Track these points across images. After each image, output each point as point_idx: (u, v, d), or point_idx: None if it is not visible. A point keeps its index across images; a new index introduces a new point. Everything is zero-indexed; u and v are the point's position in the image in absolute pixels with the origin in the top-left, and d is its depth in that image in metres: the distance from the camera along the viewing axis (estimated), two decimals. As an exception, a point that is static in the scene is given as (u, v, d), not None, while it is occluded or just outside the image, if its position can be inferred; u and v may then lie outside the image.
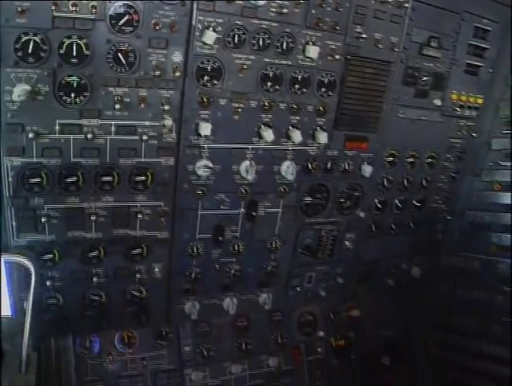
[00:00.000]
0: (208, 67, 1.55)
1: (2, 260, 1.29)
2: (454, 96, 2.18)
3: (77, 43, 1.34)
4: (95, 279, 1.68)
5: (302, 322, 2.36)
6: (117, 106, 1.43)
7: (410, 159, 2.16)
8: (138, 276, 1.74)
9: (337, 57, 1.76)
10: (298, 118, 1.78)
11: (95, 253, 1.64)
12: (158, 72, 1.45)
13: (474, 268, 2.39)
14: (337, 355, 2.41)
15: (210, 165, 1.65)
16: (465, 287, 2.42)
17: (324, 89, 1.79)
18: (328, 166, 1.93)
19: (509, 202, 2.25)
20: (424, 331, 2.52)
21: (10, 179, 1.44)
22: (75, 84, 1.38)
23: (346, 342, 2.44)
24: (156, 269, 1.79)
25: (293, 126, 1.78)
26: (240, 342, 2.18)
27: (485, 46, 2.16)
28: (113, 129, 1.48)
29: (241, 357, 2.18)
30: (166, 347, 2.05)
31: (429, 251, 2.47)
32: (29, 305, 1.16)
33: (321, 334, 2.36)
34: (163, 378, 2.03)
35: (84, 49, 1.35)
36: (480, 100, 2.28)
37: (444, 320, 2.50)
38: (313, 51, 1.69)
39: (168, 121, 1.53)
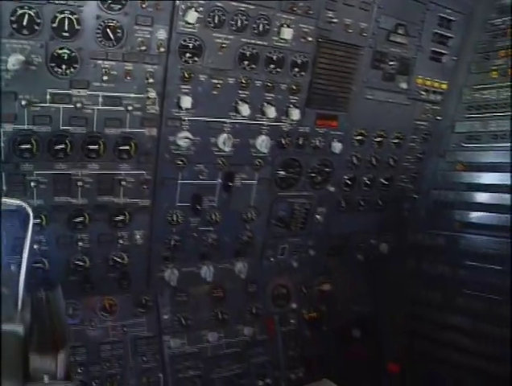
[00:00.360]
0: (190, 45, 1.73)
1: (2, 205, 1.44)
2: (419, 81, 2.41)
3: (69, 18, 1.51)
4: (80, 244, 1.85)
5: (276, 295, 2.56)
6: (105, 78, 1.60)
7: (378, 139, 2.39)
8: (120, 241, 1.92)
9: (310, 39, 1.97)
10: (272, 95, 1.98)
11: (80, 219, 1.81)
12: (143, 48, 1.63)
13: (439, 245, 2.63)
14: (309, 326, 2.62)
15: (190, 136, 1.84)
16: (431, 262, 2.66)
17: (297, 69, 2.00)
18: (301, 142, 2.15)
19: (471, 181, 2.50)
20: (393, 305, 2.75)
21: (2, 145, 1.59)
22: (66, 57, 1.55)
23: (318, 315, 2.65)
24: (138, 236, 1.97)
25: (268, 103, 1.98)
26: (216, 312, 2.36)
27: (449, 35, 2.40)
28: (100, 99, 1.65)
29: (218, 326, 2.36)
30: (145, 315, 2.21)
31: (396, 228, 2.72)
32: (26, 248, 1.31)
33: (294, 306, 2.57)
34: (143, 344, 2.20)
35: (75, 24, 1.52)
36: (444, 86, 2.52)
37: (411, 294, 2.73)
38: (287, 33, 1.88)
39: (152, 94, 1.71)
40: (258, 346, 2.48)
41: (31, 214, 1.34)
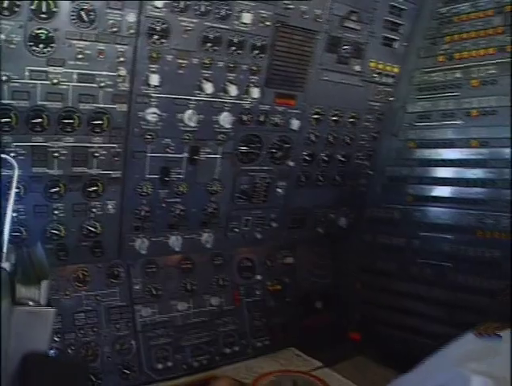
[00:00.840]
0: (158, 28, 1.97)
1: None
2: (372, 65, 2.72)
3: (47, 1, 1.73)
4: (55, 213, 2.08)
5: (241, 267, 2.82)
6: (79, 56, 1.84)
7: (334, 118, 2.69)
8: (93, 210, 2.15)
9: (268, 24, 2.24)
10: (234, 75, 2.25)
11: (56, 189, 2.03)
12: (114, 29, 1.87)
13: (394, 217, 2.95)
14: (274, 297, 2.89)
15: (158, 112, 2.10)
16: (386, 234, 2.97)
17: (256, 51, 2.27)
18: (261, 118, 2.43)
19: (422, 157, 2.80)
20: (352, 276, 3.08)
21: None
22: (43, 36, 1.77)
23: (282, 287, 2.92)
24: (110, 206, 2.20)
25: (229, 82, 2.24)
26: (185, 283, 2.60)
27: (400, 22, 2.71)
28: (75, 76, 1.88)
29: (187, 296, 2.61)
30: (118, 286, 2.44)
31: (354, 203, 3.03)
32: (11, 200, 1.54)
33: (259, 278, 2.84)
34: (116, 313, 2.42)
35: (52, 6, 1.75)
36: (396, 69, 2.83)
37: (369, 265, 3.05)
38: (247, 18, 2.16)
39: (122, 72, 1.95)
40: (225, 316, 2.72)
41: (16, 165, 1.58)
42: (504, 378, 1.45)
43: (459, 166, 2.67)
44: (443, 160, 2.73)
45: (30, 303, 1.39)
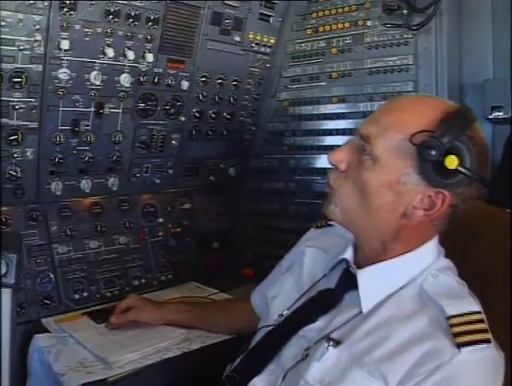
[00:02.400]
0: (67, 2, 2.50)
1: None
2: (251, 36, 3.34)
3: (-25, -20, 2.33)
4: (-20, 160, 2.64)
5: (145, 212, 3.45)
6: (2, 24, 2.35)
7: (219, 81, 3.35)
8: (15, 156, 2.67)
9: (160, -1, 2.87)
10: (131, 43, 2.79)
11: None
12: (31, 2, 2.39)
13: (274, 166, 3.67)
14: (175, 238, 3.54)
15: (68, 72, 2.64)
16: (269, 180, 3.70)
17: (150, 23, 2.84)
18: (156, 80, 3.02)
19: (295, 113, 3.56)
20: (243, 219, 3.79)
21: None
22: (-29, 7, 2.37)
23: (182, 229, 3.59)
24: (28, 153, 2.72)
25: (128, 48, 2.79)
26: (96, 225, 3.18)
27: (276, 1, 3.39)
28: None
29: (98, 236, 3.19)
30: (36, 227, 2.96)
31: (240, 154, 3.74)
32: None
33: (161, 220, 3.49)
34: (36, 251, 2.94)
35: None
36: (272, 41, 3.50)
37: (256, 208, 3.77)
38: (140, -5, 2.81)
39: (38, 38, 2.46)
40: (132, 253, 3.32)
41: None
42: (328, 247, 2.01)
43: (324, 119, 3.41)
44: (311, 115, 3.47)
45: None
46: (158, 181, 3.38)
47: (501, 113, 2.90)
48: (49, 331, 2.75)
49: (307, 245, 2.11)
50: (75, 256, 3.12)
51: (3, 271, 1.60)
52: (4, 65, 2.50)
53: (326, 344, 1.62)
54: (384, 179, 1.53)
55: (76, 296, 3.06)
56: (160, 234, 3.53)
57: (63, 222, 3.11)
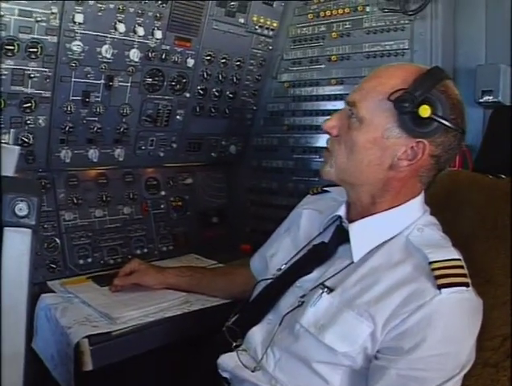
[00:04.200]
0: None
1: None
2: (255, 19, 3.48)
3: None
4: (-6, 126, 2.74)
5: (148, 185, 3.58)
6: None
7: (223, 60, 3.48)
8: (28, 123, 2.80)
9: (168, -16, 3.00)
10: (141, 19, 2.93)
11: None
12: None
13: (273, 145, 3.81)
14: (176, 211, 3.68)
15: (81, 45, 2.77)
16: (268, 159, 3.84)
17: (160, 2, 2.97)
18: (163, 56, 3.14)
19: (295, 94, 3.68)
20: (243, 196, 3.92)
21: None
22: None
23: (183, 203, 3.72)
24: (41, 121, 2.85)
25: (138, 25, 2.93)
26: (101, 195, 3.32)
27: None
28: (16, 11, 2.51)
29: (103, 205, 3.32)
30: (45, 194, 3.08)
31: (241, 133, 3.89)
32: None
33: (163, 193, 3.62)
34: (43, 217, 3.04)
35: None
36: (275, 24, 3.62)
37: (256, 185, 3.91)
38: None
39: (54, 10, 2.60)
40: (135, 224, 3.45)
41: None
42: (323, 209, 2.12)
43: (322, 100, 3.54)
44: (310, 96, 3.60)
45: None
46: (162, 154, 3.53)
47: (491, 97, 3.06)
48: (55, 293, 2.90)
49: (303, 208, 2.27)
50: (81, 224, 3.26)
51: (25, 212, 1.74)
52: (21, 35, 2.62)
53: (320, 291, 1.81)
54: (370, 136, 1.72)
55: (81, 261, 3.21)
56: (162, 206, 3.67)
57: (70, 190, 3.25)
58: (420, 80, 1.65)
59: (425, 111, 1.60)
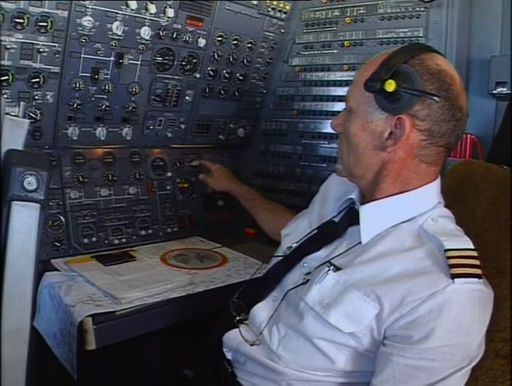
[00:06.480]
0: None
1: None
2: (268, 1, 3.45)
3: None
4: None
5: (155, 166, 3.56)
6: None
7: (234, 42, 3.46)
8: (36, 98, 2.77)
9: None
10: None
11: (5, 78, 2.61)
12: None
13: (282, 129, 3.80)
14: (182, 193, 3.66)
15: (92, 20, 2.74)
16: (276, 143, 3.83)
17: None
18: (174, 35, 3.12)
19: (305, 79, 3.67)
20: (249, 179, 3.87)
21: None
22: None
23: (189, 185, 3.71)
24: (49, 96, 2.83)
25: (150, 2, 2.88)
26: (107, 174, 3.29)
27: None
28: None
29: (109, 184, 3.30)
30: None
31: (250, 116, 3.87)
32: None
33: (169, 174, 3.60)
34: (49, 194, 2.99)
35: None
36: (288, 7, 3.59)
37: (263, 169, 3.91)
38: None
39: None
40: (140, 204, 3.43)
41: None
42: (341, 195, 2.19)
43: (333, 86, 3.52)
44: (321, 81, 3.57)
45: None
46: (169, 135, 3.50)
47: (504, 89, 3.01)
48: (59, 271, 2.89)
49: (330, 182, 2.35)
50: (86, 202, 3.25)
51: (34, 186, 1.72)
52: (31, 8, 2.60)
53: (327, 269, 1.81)
54: (359, 123, 1.78)
55: (85, 240, 3.19)
56: (168, 188, 3.65)
57: (76, 168, 3.23)
58: (389, 59, 1.69)
59: (389, 85, 1.62)
